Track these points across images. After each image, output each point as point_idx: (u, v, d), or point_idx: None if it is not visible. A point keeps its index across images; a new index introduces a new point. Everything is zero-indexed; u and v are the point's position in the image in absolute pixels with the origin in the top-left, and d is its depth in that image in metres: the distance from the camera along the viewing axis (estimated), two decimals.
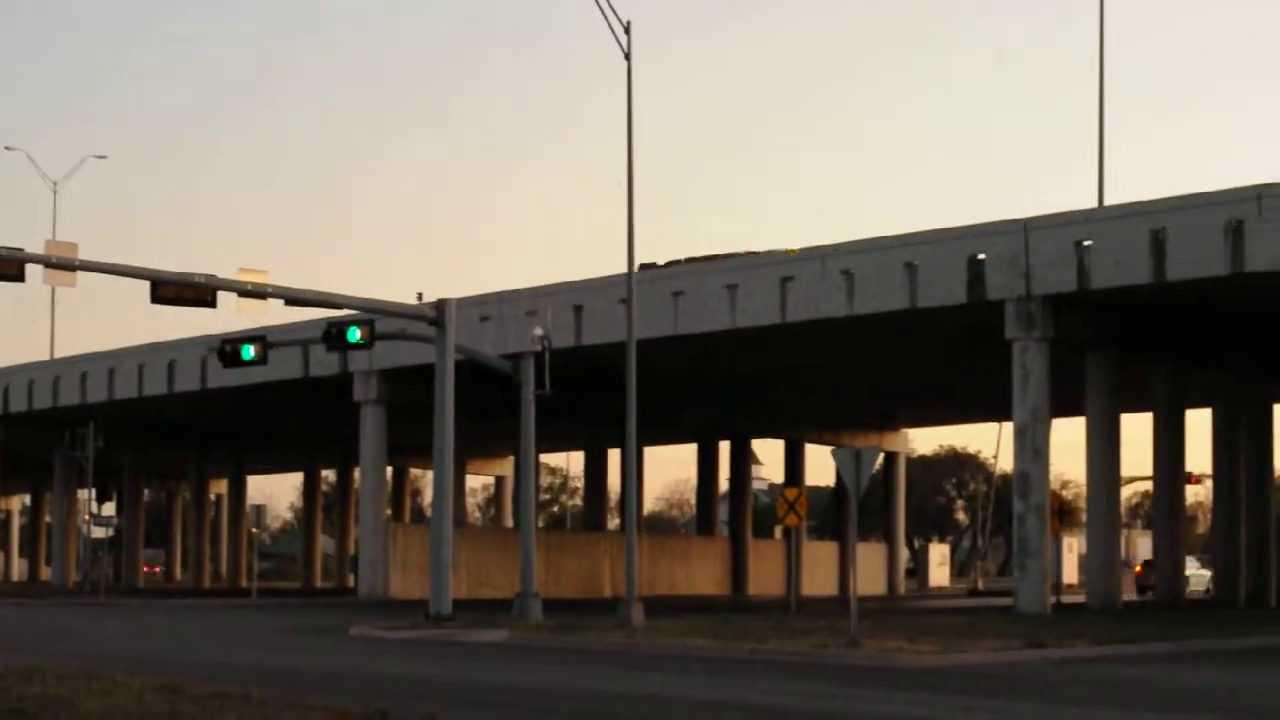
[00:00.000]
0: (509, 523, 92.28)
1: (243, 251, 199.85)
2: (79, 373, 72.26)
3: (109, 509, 70.82)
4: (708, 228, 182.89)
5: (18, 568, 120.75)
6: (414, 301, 50.18)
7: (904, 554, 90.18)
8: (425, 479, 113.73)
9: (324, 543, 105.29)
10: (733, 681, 24.96)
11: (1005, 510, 67.61)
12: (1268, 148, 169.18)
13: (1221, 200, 41.97)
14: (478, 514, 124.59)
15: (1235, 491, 55.52)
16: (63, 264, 38.00)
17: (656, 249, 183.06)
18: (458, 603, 42.26)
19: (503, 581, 62.74)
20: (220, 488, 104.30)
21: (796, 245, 51.84)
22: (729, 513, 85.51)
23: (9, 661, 24.21)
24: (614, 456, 75.34)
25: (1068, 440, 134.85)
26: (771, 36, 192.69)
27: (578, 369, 53.74)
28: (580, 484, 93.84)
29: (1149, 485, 64.90)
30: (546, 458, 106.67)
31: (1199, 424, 58.60)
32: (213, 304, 39.38)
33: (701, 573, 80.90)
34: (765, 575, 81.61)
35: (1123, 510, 61.11)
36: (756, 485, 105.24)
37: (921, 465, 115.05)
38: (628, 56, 40.50)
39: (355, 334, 40.94)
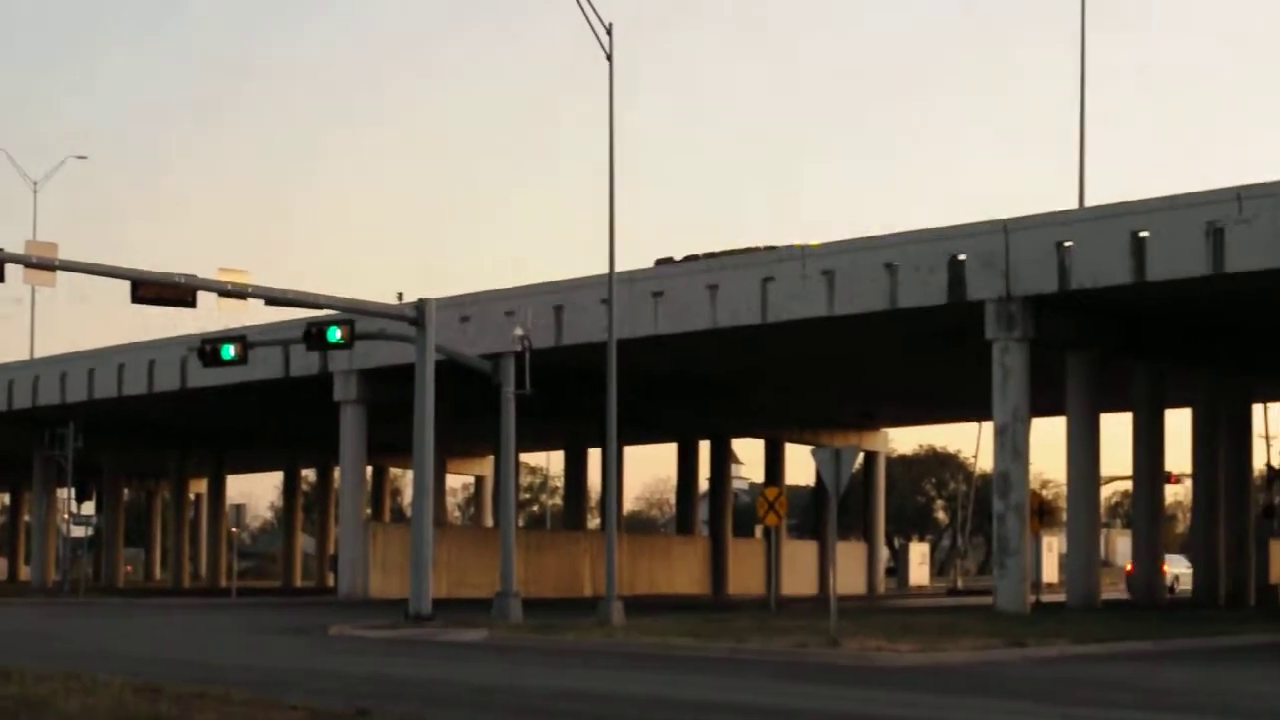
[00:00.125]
0: (489, 522, 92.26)
1: (223, 252, 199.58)
2: (59, 372, 72.07)
3: (88, 508, 70.69)
4: (690, 227, 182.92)
5: None
6: (394, 302, 50.12)
7: (884, 553, 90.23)
8: (405, 478, 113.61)
9: (304, 542, 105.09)
10: (713, 680, 24.97)
11: (985, 509, 67.65)
12: (1247, 149, 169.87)
13: (1201, 201, 42.04)
14: (458, 513, 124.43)
15: (1214, 491, 55.67)
16: (43, 264, 37.95)
17: (640, 250, 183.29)
18: (438, 602, 42.31)
19: (483, 581, 62.66)
20: (200, 487, 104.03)
21: (779, 245, 51.88)
22: (709, 512, 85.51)
23: None
24: (594, 456, 75.35)
25: (1048, 439, 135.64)
26: (754, 38, 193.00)
27: (558, 369, 53.72)
28: (560, 483, 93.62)
29: (1129, 484, 65.12)
30: (527, 457, 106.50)
31: (1179, 424, 58.88)
32: (193, 304, 39.40)
33: (681, 572, 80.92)
34: (745, 574, 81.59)
35: (1102, 510, 61.27)
36: (736, 484, 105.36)
37: (901, 464, 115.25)
38: (609, 57, 40.57)
39: (335, 334, 40.99)
